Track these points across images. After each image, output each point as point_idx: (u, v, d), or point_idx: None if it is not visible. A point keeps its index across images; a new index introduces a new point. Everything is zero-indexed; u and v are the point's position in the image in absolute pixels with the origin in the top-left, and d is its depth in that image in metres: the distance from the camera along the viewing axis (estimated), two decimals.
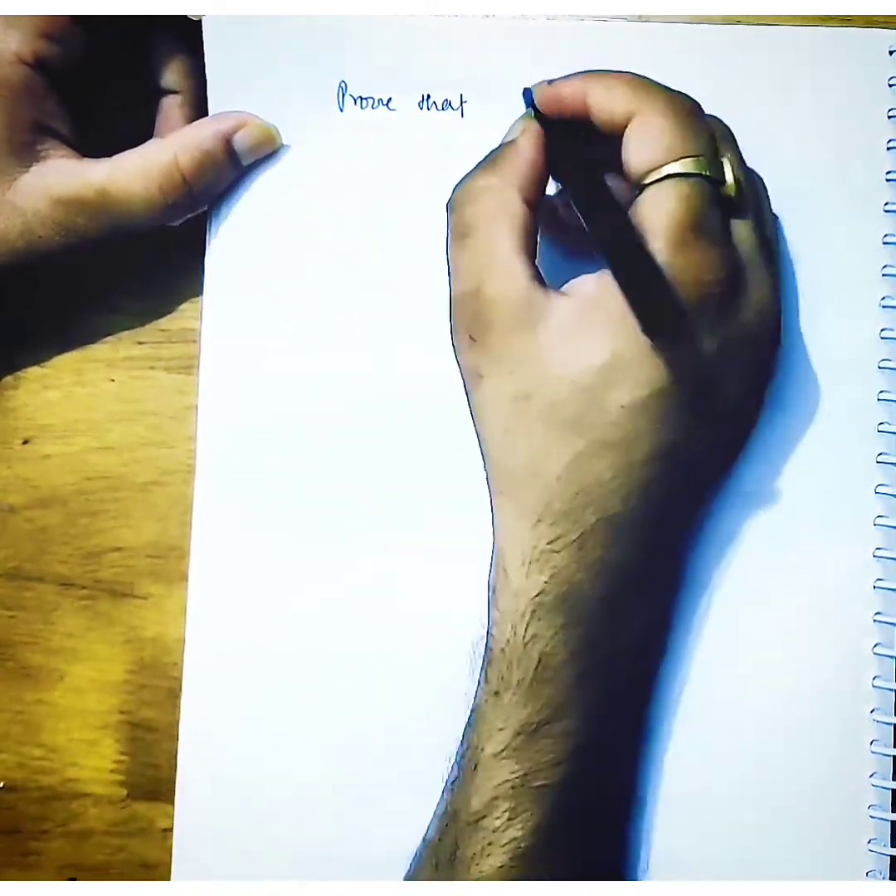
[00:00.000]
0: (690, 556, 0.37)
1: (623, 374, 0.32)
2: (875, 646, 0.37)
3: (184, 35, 0.39)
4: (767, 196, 0.36)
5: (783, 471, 0.38)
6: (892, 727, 0.37)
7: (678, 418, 0.32)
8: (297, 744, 0.39)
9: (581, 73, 0.34)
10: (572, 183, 0.33)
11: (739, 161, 0.34)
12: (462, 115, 0.39)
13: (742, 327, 0.33)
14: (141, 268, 0.41)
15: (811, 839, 0.37)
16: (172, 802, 0.39)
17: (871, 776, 0.37)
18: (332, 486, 0.39)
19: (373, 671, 0.39)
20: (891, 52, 0.38)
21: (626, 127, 0.33)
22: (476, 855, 0.33)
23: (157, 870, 0.40)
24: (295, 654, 0.39)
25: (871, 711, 0.37)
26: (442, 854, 0.34)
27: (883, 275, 0.38)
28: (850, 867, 0.37)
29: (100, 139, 0.38)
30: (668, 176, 0.32)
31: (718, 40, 0.38)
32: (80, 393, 0.41)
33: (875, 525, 0.37)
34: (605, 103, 0.33)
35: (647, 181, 0.32)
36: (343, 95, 0.39)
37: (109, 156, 0.37)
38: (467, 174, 0.35)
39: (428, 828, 0.35)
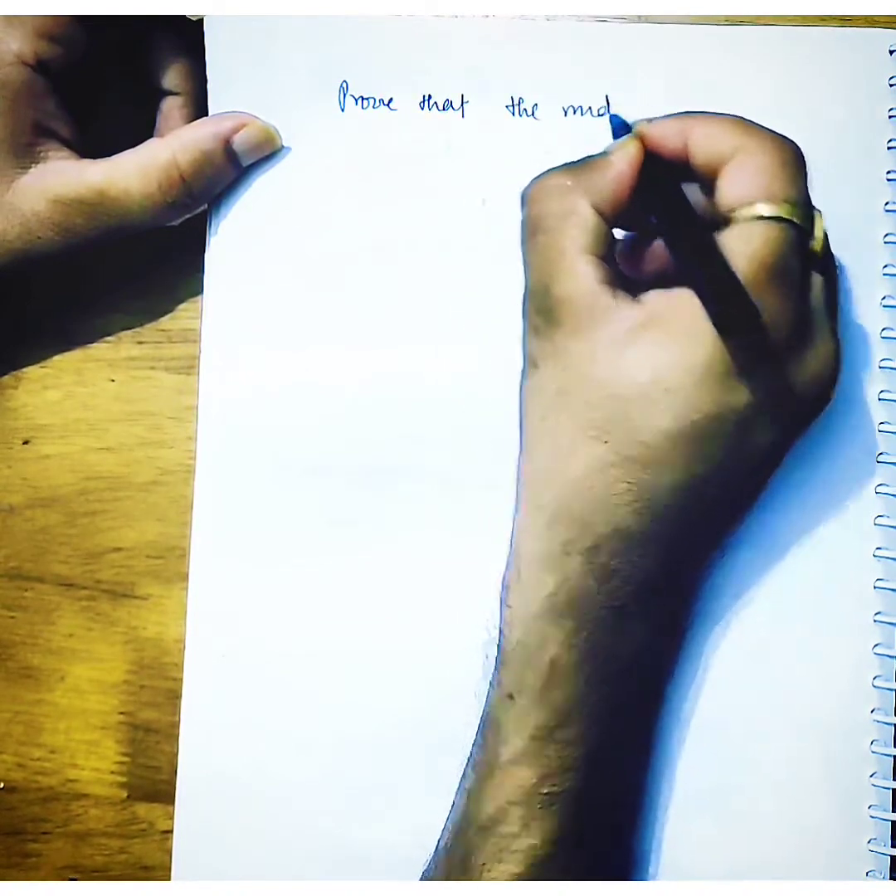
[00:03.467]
0: (703, 571, 0.37)
1: (664, 396, 0.31)
2: (875, 646, 0.37)
3: (184, 35, 0.39)
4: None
5: (783, 470, 0.38)
6: (892, 727, 0.37)
7: (710, 453, 0.32)
8: (297, 744, 0.39)
9: (682, 113, 0.34)
10: (665, 209, 0.33)
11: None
12: (462, 116, 0.39)
13: (797, 380, 0.32)
14: (141, 268, 0.41)
15: (811, 839, 0.37)
16: (172, 803, 0.39)
17: (871, 776, 0.37)
18: (332, 486, 0.39)
19: (373, 671, 0.39)
20: (891, 52, 0.38)
21: (723, 166, 0.32)
22: (489, 861, 0.33)
23: (157, 870, 0.40)
24: (295, 655, 0.39)
25: (871, 711, 0.37)
26: (455, 860, 0.34)
27: (883, 274, 0.38)
28: (850, 867, 0.37)
29: (100, 139, 0.38)
30: (760, 216, 0.31)
31: (718, 40, 0.38)
32: (81, 393, 0.41)
33: (875, 525, 0.37)
34: (708, 141, 0.33)
35: (736, 217, 0.32)
36: (344, 95, 0.39)
37: (109, 156, 0.37)
38: (545, 171, 0.34)
39: (441, 834, 0.35)
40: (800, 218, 0.32)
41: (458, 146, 0.39)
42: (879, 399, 0.37)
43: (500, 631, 0.34)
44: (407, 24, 0.39)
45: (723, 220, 0.32)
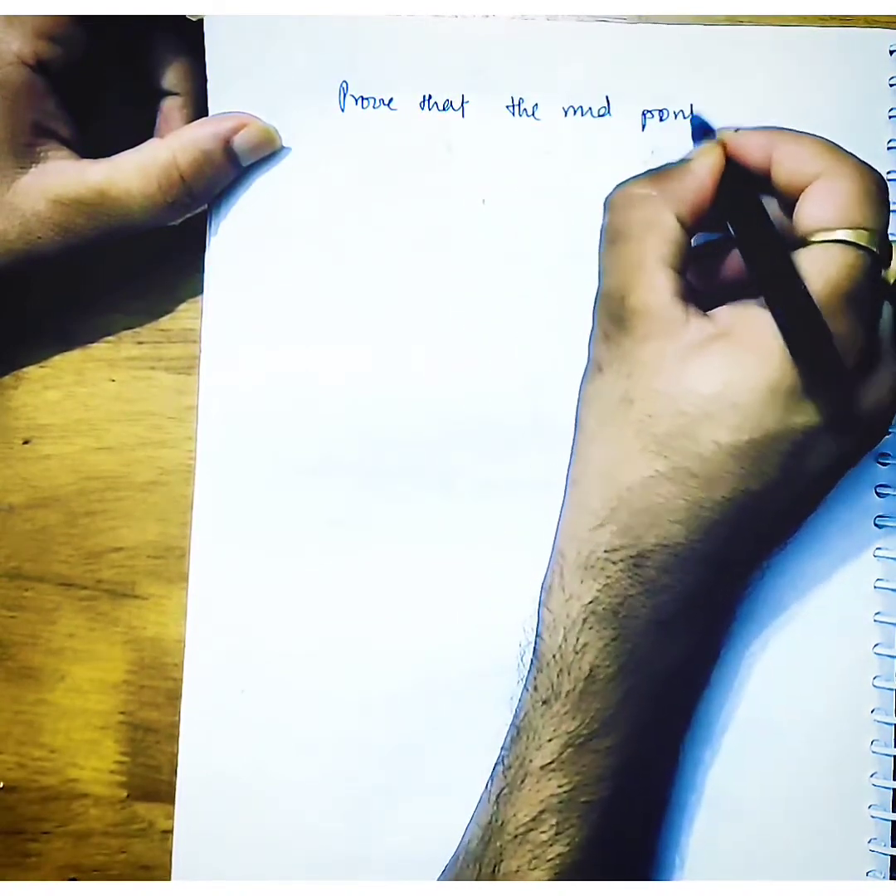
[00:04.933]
0: (744, 589, 0.37)
1: (729, 412, 0.31)
2: (875, 646, 0.37)
3: (184, 35, 0.39)
4: None
5: None
6: (892, 727, 0.37)
7: (767, 472, 0.32)
8: (296, 744, 0.39)
9: (769, 128, 0.34)
10: (744, 223, 0.33)
11: None
12: (463, 115, 0.39)
13: (859, 406, 0.32)
14: (141, 268, 0.41)
15: (811, 839, 0.37)
16: (172, 803, 0.39)
17: (871, 776, 0.37)
18: (332, 486, 0.39)
19: (372, 671, 0.39)
20: (891, 52, 0.38)
21: (805, 186, 0.32)
22: (521, 868, 0.33)
23: (157, 870, 0.40)
24: (295, 655, 0.39)
25: (871, 711, 0.37)
26: (485, 865, 0.33)
27: None
28: (850, 867, 0.37)
29: (100, 139, 0.38)
30: (838, 240, 0.31)
31: (718, 40, 0.38)
32: (81, 393, 0.41)
33: (876, 525, 0.37)
34: (794, 160, 0.33)
35: (814, 239, 0.32)
36: (344, 95, 0.39)
37: (109, 156, 0.37)
38: (629, 179, 0.34)
39: (466, 835, 0.35)
40: (877, 247, 0.32)
41: (458, 146, 0.39)
42: None
43: (538, 634, 0.34)
44: (407, 24, 0.39)
45: (800, 240, 0.32)
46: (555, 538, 0.35)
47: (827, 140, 0.33)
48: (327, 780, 0.38)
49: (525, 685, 0.34)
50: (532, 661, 0.34)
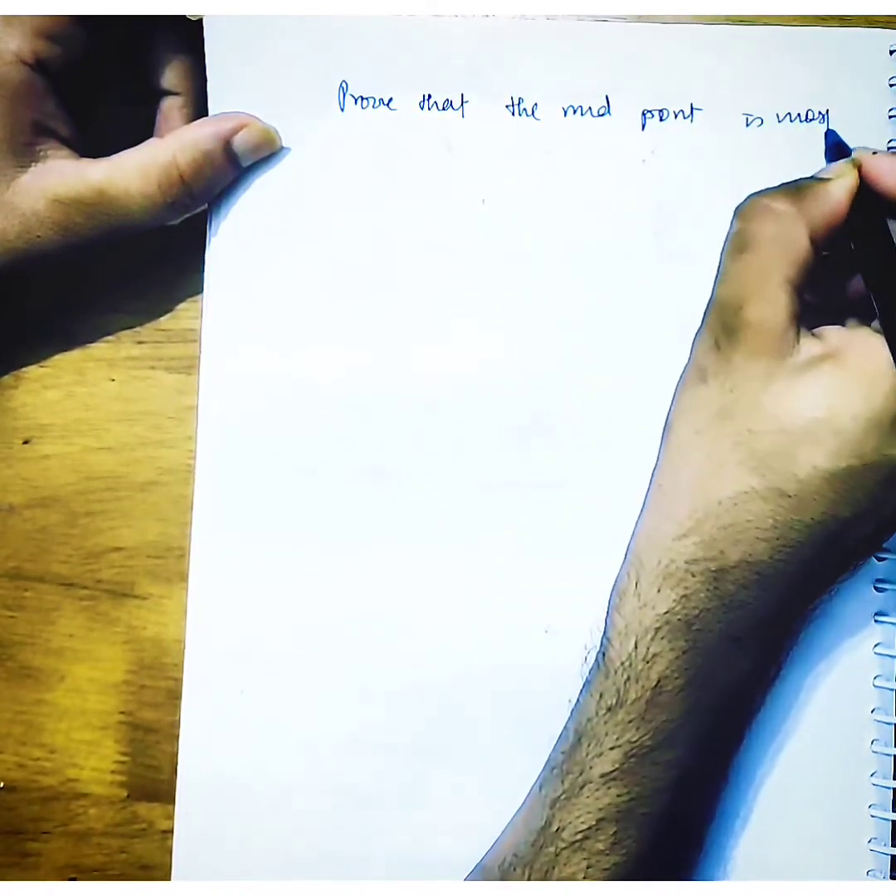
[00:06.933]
0: (812, 611, 0.36)
1: (831, 437, 0.31)
2: (875, 645, 0.37)
3: (183, 35, 0.39)
4: None
5: None
6: (893, 726, 0.37)
7: (859, 500, 0.32)
8: (296, 744, 0.39)
9: None
10: (869, 245, 0.33)
11: None
12: (462, 116, 0.39)
13: None
14: (141, 268, 0.41)
15: (811, 839, 0.37)
16: (172, 803, 0.39)
17: (871, 776, 0.37)
18: (333, 486, 0.39)
19: (372, 672, 0.39)
20: (891, 52, 0.38)
21: None
22: (575, 876, 0.32)
23: (157, 870, 0.40)
24: (295, 655, 0.39)
25: (872, 711, 0.37)
26: (535, 870, 0.33)
27: None
28: (850, 867, 0.37)
29: (100, 139, 0.38)
30: None
31: (718, 40, 0.38)
32: (81, 393, 0.41)
33: None
34: None
35: None
36: (344, 95, 0.39)
37: (109, 156, 0.37)
38: (765, 189, 0.34)
39: (509, 837, 0.34)
40: None
41: (457, 146, 0.39)
42: None
43: (607, 638, 0.34)
44: (407, 24, 0.39)
45: None
46: (630, 543, 0.34)
47: None
48: (327, 780, 0.38)
49: (588, 689, 0.34)
50: (597, 664, 0.34)
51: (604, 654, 0.34)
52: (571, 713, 0.34)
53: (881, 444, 0.31)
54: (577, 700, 0.34)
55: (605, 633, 0.34)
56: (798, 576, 0.32)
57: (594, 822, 0.32)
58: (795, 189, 0.33)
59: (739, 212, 0.34)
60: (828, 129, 0.35)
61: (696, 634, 0.32)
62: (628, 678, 0.33)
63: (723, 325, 0.33)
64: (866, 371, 0.31)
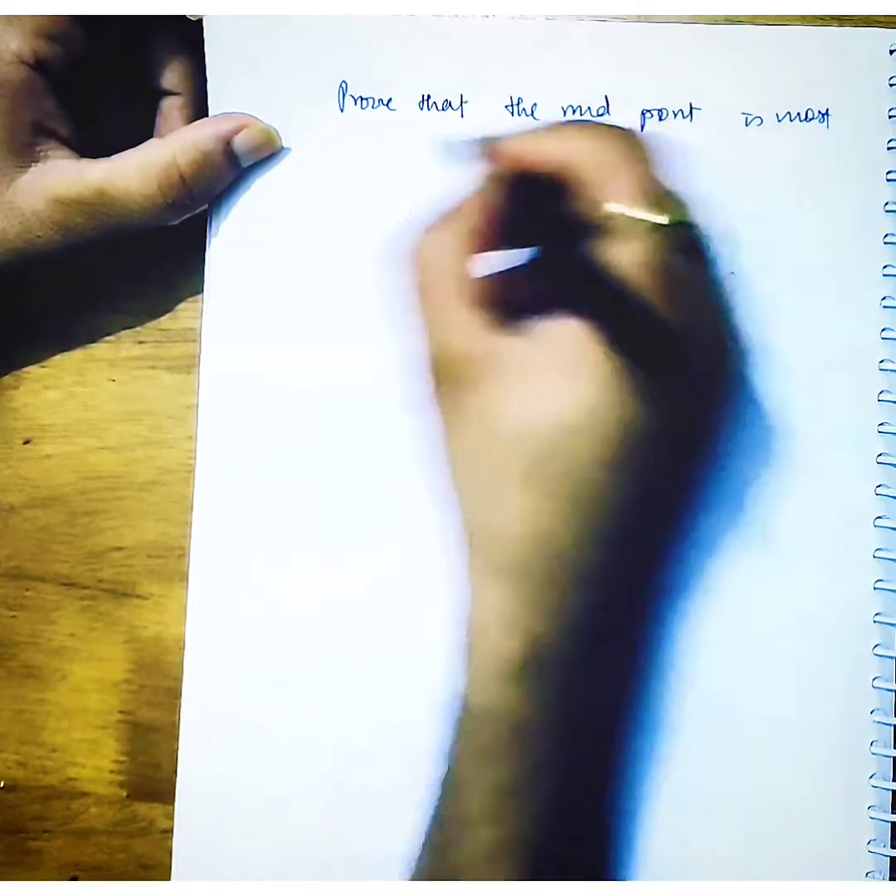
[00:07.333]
0: (661, 594, 0.37)
1: (574, 433, 0.31)
2: (875, 646, 0.37)
3: (184, 35, 0.39)
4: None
5: (783, 471, 0.38)
6: (892, 727, 0.37)
7: (628, 477, 0.31)
8: (296, 744, 0.39)
9: (518, 133, 0.33)
10: (538, 234, 0.32)
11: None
12: (462, 116, 0.39)
13: (690, 382, 0.32)
14: (141, 268, 0.41)
15: (811, 839, 0.37)
16: (172, 802, 0.39)
17: (871, 777, 0.37)
18: (333, 487, 0.39)
19: (372, 671, 0.39)
20: (891, 52, 0.38)
21: (575, 176, 0.31)
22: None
23: (158, 870, 0.40)
24: (295, 654, 0.39)
25: (871, 711, 0.37)
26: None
27: (883, 275, 0.37)
28: (850, 867, 0.37)
29: (100, 139, 0.38)
30: (629, 218, 0.30)
31: (718, 40, 0.38)
32: (81, 393, 0.41)
33: (875, 526, 0.37)
34: (548, 153, 0.32)
35: (607, 226, 0.31)
36: (343, 95, 0.39)
37: (109, 156, 0.38)
38: (418, 228, 0.34)
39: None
40: (672, 214, 0.31)
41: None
42: (879, 399, 0.37)
43: (463, 692, 0.33)
44: (407, 24, 0.39)
45: (597, 230, 0.31)
46: (467, 598, 0.34)
47: (574, 122, 0.33)
48: (327, 780, 0.39)
49: (452, 739, 0.33)
50: (458, 714, 0.33)
51: (463, 706, 0.33)
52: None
53: (622, 415, 0.31)
54: (448, 754, 0.33)
55: (461, 686, 0.33)
56: (621, 563, 0.32)
57: (471, 863, 0.31)
58: (442, 217, 0.33)
59: (398, 259, 0.34)
60: (448, 142, 0.34)
61: (547, 670, 0.32)
62: (482, 727, 0.32)
63: (433, 373, 0.33)
64: (575, 356, 0.31)
